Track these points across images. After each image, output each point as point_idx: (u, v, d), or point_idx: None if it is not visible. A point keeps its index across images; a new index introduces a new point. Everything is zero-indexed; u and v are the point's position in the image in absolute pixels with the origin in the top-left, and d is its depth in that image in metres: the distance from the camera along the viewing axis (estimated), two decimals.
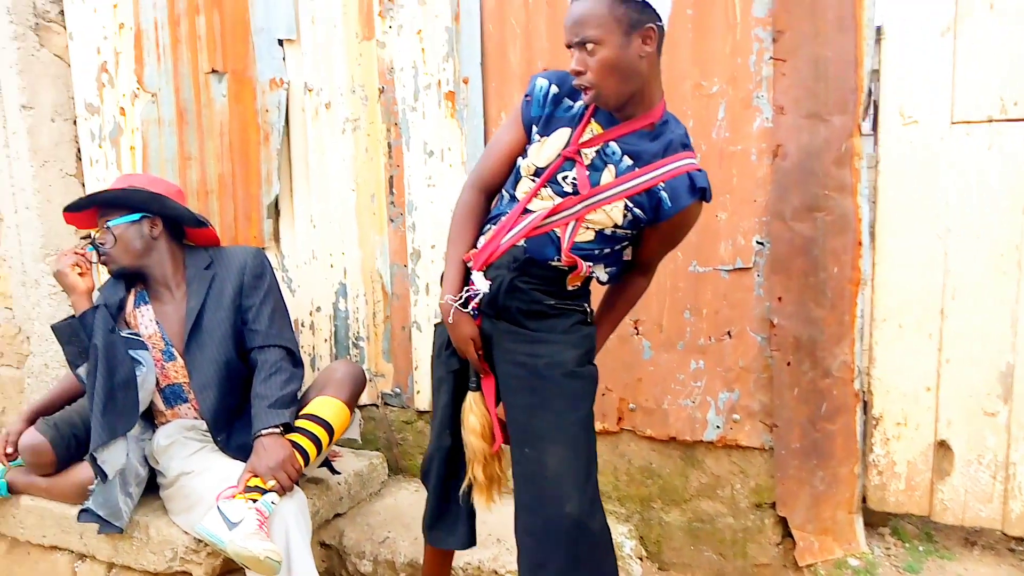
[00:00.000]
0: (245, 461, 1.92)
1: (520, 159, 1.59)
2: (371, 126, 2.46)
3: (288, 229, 2.66)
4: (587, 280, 1.60)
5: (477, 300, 1.57)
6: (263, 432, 1.85)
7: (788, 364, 2.00)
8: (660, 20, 1.41)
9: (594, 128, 1.51)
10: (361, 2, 2.40)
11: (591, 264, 1.56)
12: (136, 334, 2.03)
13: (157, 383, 2.04)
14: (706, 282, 2.07)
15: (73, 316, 1.97)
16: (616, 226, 1.52)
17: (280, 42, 2.54)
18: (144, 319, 2.05)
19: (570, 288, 1.58)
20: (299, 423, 1.92)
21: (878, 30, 1.89)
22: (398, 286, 2.50)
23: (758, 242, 2.00)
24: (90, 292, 2.00)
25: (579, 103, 1.53)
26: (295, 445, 1.87)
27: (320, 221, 2.59)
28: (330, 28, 2.46)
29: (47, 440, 2.06)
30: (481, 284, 1.55)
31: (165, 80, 2.78)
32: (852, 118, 1.89)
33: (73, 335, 1.95)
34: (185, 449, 1.97)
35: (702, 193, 1.50)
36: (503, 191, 1.63)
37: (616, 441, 2.23)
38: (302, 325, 2.66)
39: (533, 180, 1.54)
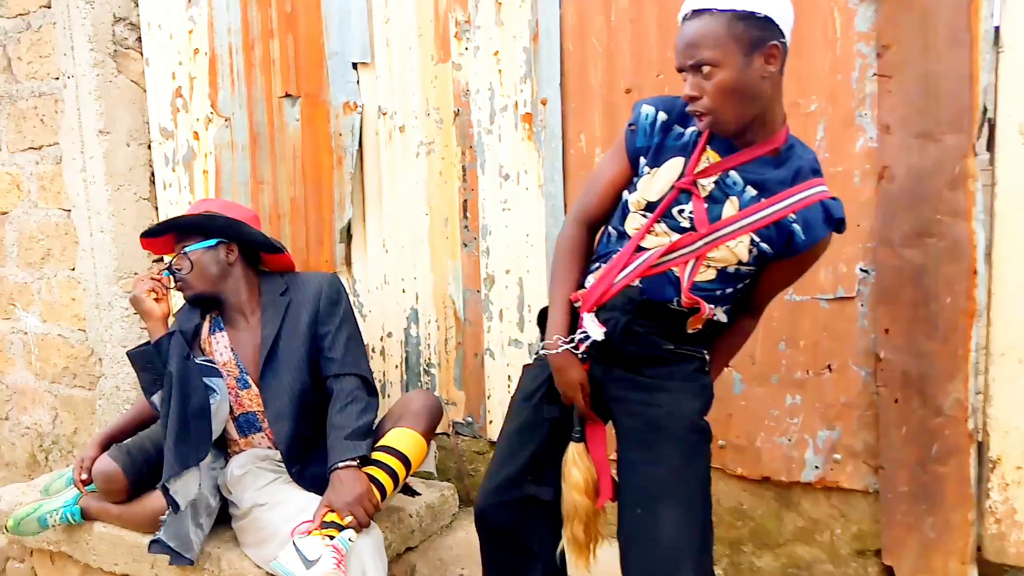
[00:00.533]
0: (320, 493, 1.86)
1: (627, 193, 1.48)
2: (445, 149, 2.41)
3: (360, 254, 2.62)
4: (708, 323, 1.48)
5: (587, 344, 1.45)
6: (340, 465, 1.78)
7: (895, 401, 1.86)
8: (784, 36, 1.30)
9: (710, 156, 1.40)
10: (437, 24, 2.36)
11: (713, 306, 1.44)
12: (211, 361, 1.99)
13: (231, 411, 2.00)
14: (803, 312, 1.94)
15: (148, 342, 1.95)
16: (740, 263, 1.40)
17: (354, 65, 2.52)
18: (219, 346, 2.01)
19: (690, 332, 1.46)
20: (376, 456, 1.86)
21: (995, 42, 1.76)
22: (471, 312, 2.43)
23: (862, 270, 1.87)
24: (166, 318, 1.98)
25: (691, 129, 1.42)
26: (372, 479, 1.81)
27: (392, 246, 2.54)
28: (405, 51, 2.42)
29: (120, 467, 2.04)
30: (594, 330, 1.43)
31: (239, 104, 2.78)
32: (967, 137, 1.75)
33: (148, 362, 1.93)
34: (259, 480, 1.92)
35: (838, 224, 1.38)
36: (610, 228, 1.52)
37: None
38: (373, 351, 2.61)
39: (644, 215, 1.43)
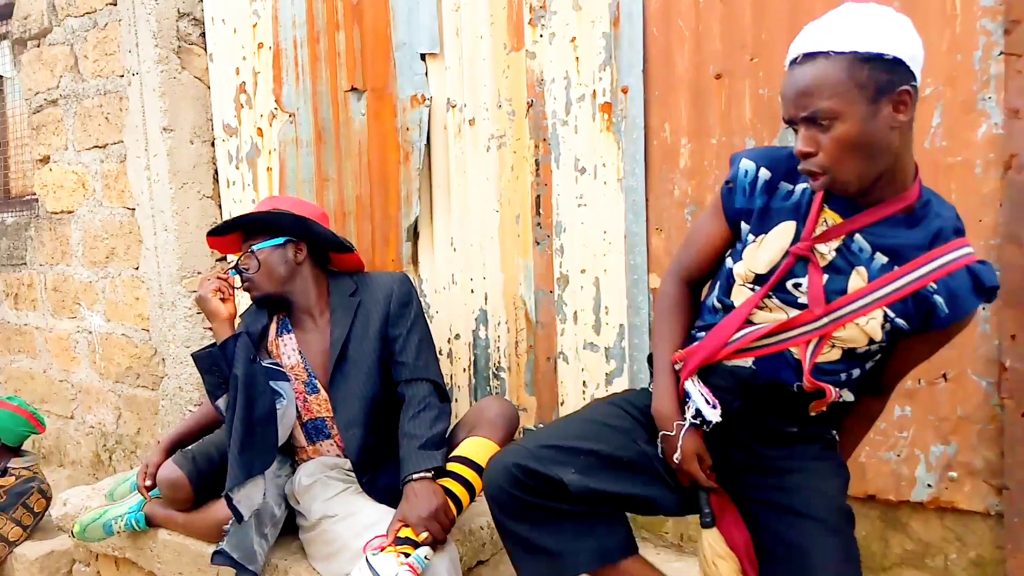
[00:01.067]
0: (391, 505, 1.77)
1: (730, 261, 1.32)
2: (517, 142, 2.29)
3: (427, 252, 2.53)
4: (833, 405, 1.32)
5: (696, 413, 1.33)
6: (414, 477, 1.68)
7: (1023, 415, 1.68)
8: (915, 79, 1.12)
9: (829, 218, 1.23)
10: (510, 11, 2.24)
11: (839, 389, 1.28)
12: (278, 364, 1.91)
13: (299, 417, 1.92)
14: None
15: (213, 344, 1.87)
16: (871, 342, 1.24)
17: (422, 57, 2.42)
18: (286, 348, 1.93)
19: (813, 414, 1.31)
20: (451, 467, 1.75)
21: None
22: (543, 314, 2.31)
23: None
24: (232, 319, 1.90)
25: (802, 186, 1.25)
26: (447, 492, 1.70)
27: (461, 244, 2.43)
28: (476, 40, 2.31)
29: (184, 474, 1.97)
30: (707, 409, 1.29)
31: (303, 99, 2.71)
32: None
33: (213, 364, 1.85)
34: (327, 490, 1.83)
35: (989, 294, 1.20)
36: (714, 299, 1.38)
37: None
38: (440, 353, 2.50)
39: (752, 289, 1.28)
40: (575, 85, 2.17)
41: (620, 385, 2.17)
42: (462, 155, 2.40)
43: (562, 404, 2.30)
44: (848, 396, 1.33)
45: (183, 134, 3.00)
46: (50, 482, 3.61)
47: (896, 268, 1.20)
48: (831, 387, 1.25)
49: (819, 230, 1.24)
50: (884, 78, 1.09)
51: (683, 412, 1.34)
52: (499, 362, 2.41)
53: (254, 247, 1.91)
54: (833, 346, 1.25)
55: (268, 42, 2.77)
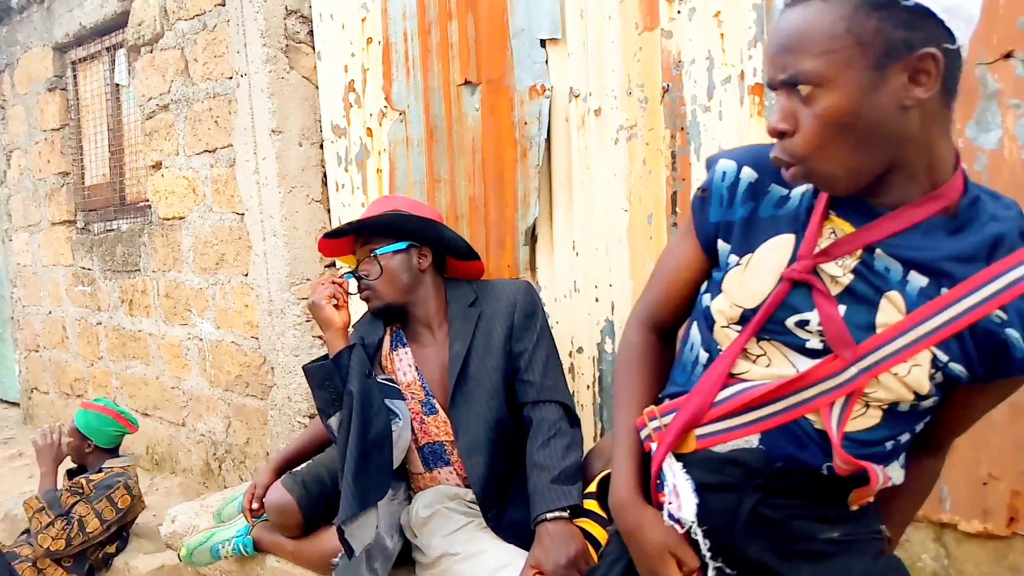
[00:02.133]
0: (518, 544, 1.56)
1: (707, 297, 0.98)
2: (650, 133, 2.05)
3: (546, 257, 2.32)
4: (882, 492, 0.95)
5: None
6: (548, 516, 1.47)
7: None
8: (951, 39, 0.79)
9: (837, 228, 0.90)
10: None
11: (883, 466, 0.93)
12: (392, 380, 1.74)
13: (414, 440, 1.74)
14: None
15: (325, 356, 1.72)
16: (919, 396, 0.89)
17: (542, 43, 2.21)
18: (402, 364, 1.76)
19: (855, 508, 0.95)
20: (589, 505, 1.53)
21: None
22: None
23: None
24: (346, 328, 1.73)
25: (801, 190, 0.93)
26: (586, 535, 1.48)
27: (584, 247, 2.21)
28: (603, 21, 2.09)
29: (294, 500, 1.84)
30: (687, 495, 0.94)
31: (414, 96, 2.55)
32: None
33: (327, 378, 1.69)
34: (448, 524, 1.64)
35: None
36: (701, 348, 1.00)
37: (1005, 549, 1.63)
38: None
39: (737, 329, 0.94)
40: (719, 66, 1.91)
41: None
42: (586, 149, 2.18)
43: None
44: (898, 476, 0.97)
45: (291, 136, 2.90)
46: (163, 489, 3.62)
47: (944, 291, 0.86)
48: (875, 466, 0.90)
49: (823, 243, 0.90)
50: (899, 35, 0.78)
51: (651, 501, 1.00)
52: None
53: (377, 251, 1.74)
54: (868, 405, 0.90)
55: (377, 36, 2.63)
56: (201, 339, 3.47)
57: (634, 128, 2.07)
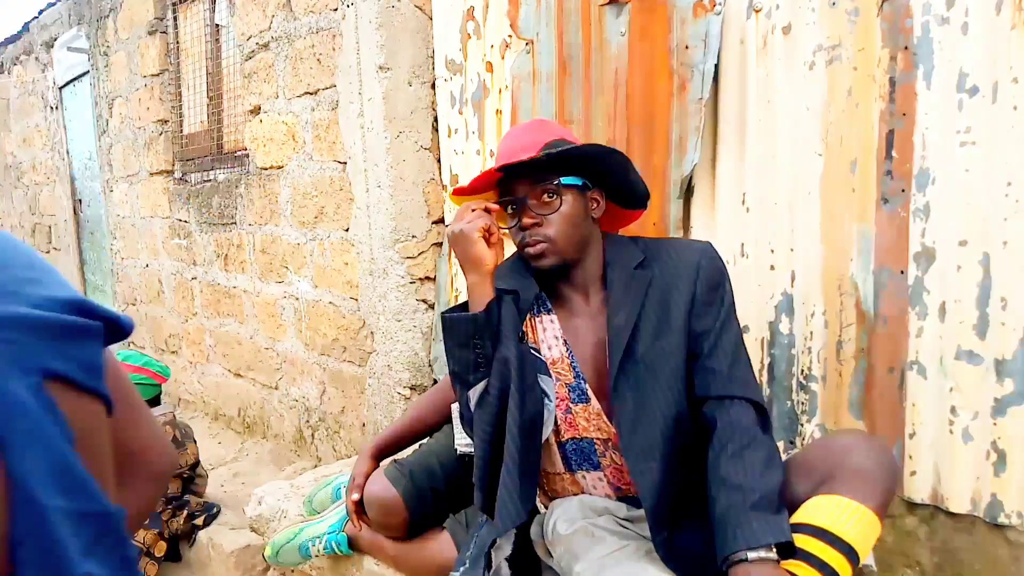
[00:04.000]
0: None
1: None
2: (861, 55, 1.59)
3: (704, 213, 1.90)
4: None
5: None
6: (750, 557, 1.07)
7: None
8: None
9: None
10: None
11: None
12: (536, 351, 1.36)
13: (555, 432, 1.37)
14: None
15: (465, 306, 1.32)
16: None
17: None
18: (546, 335, 1.38)
19: None
20: (801, 541, 1.12)
21: None
22: (887, 303, 1.61)
23: None
24: (493, 274, 1.34)
25: None
26: None
27: (757, 202, 1.78)
28: None
29: (399, 494, 1.51)
30: None
31: (545, 21, 2.16)
32: None
33: (476, 334, 1.27)
34: (597, 546, 1.27)
35: None
36: None
37: None
38: None
39: None
40: None
41: (1018, 416, 1.44)
42: (767, 78, 1.74)
43: (911, 437, 1.59)
44: None
45: (400, 74, 2.56)
46: (253, 455, 3.42)
47: None
48: None
49: None
50: None
51: None
52: (809, 368, 1.75)
53: (561, 180, 1.35)
54: None
55: None
56: (297, 298, 3.21)
57: (837, 48, 1.62)
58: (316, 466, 3.24)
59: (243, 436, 3.80)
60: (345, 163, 2.79)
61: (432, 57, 2.58)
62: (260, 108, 3.24)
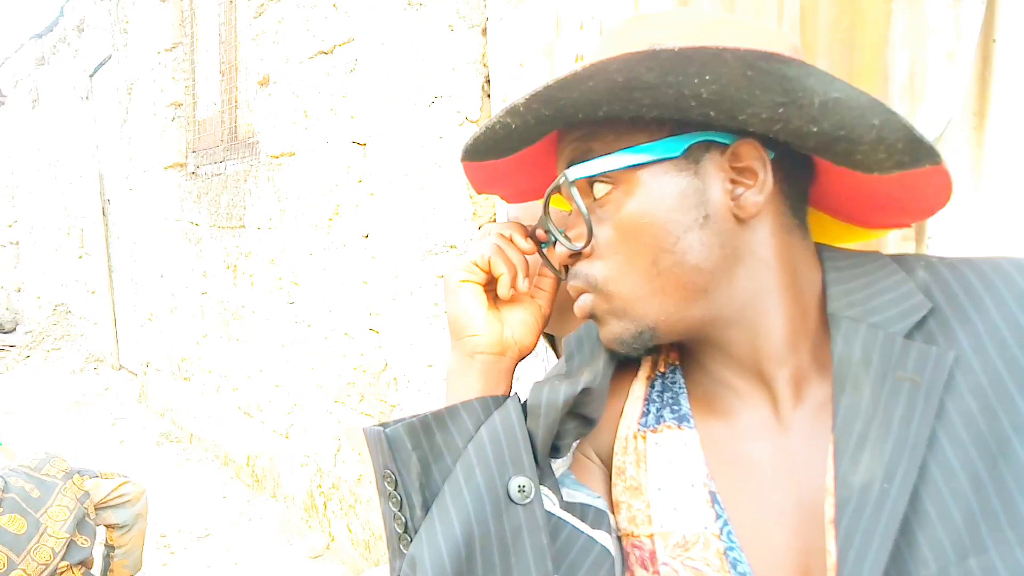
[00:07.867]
0: None
1: None
2: None
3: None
4: None
5: None
6: None
7: None
8: None
9: None
10: None
11: None
12: (598, 499, 0.54)
13: None
14: None
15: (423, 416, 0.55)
16: None
17: None
18: (669, 474, 0.54)
19: None
20: None
21: None
22: None
23: None
24: (502, 355, 0.57)
25: None
26: None
27: None
28: None
29: None
30: None
31: None
32: None
33: (388, 469, 0.56)
34: None
35: None
36: None
37: None
38: None
39: None
40: None
41: None
42: None
43: None
44: None
45: (440, 9, 1.78)
46: (257, 518, 2.70)
47: None
48: None
49: None
50: None
51: None
52: None
53: (639, 147, 0.53)
54: None
55: None
56: (309, 325, 2.47)
57: None
58: (328, 546, 2.47)
59: (252, 490, 3.08)
60: (365, 144, 2.02)
61: None
62: (269, 78, 2.52)
